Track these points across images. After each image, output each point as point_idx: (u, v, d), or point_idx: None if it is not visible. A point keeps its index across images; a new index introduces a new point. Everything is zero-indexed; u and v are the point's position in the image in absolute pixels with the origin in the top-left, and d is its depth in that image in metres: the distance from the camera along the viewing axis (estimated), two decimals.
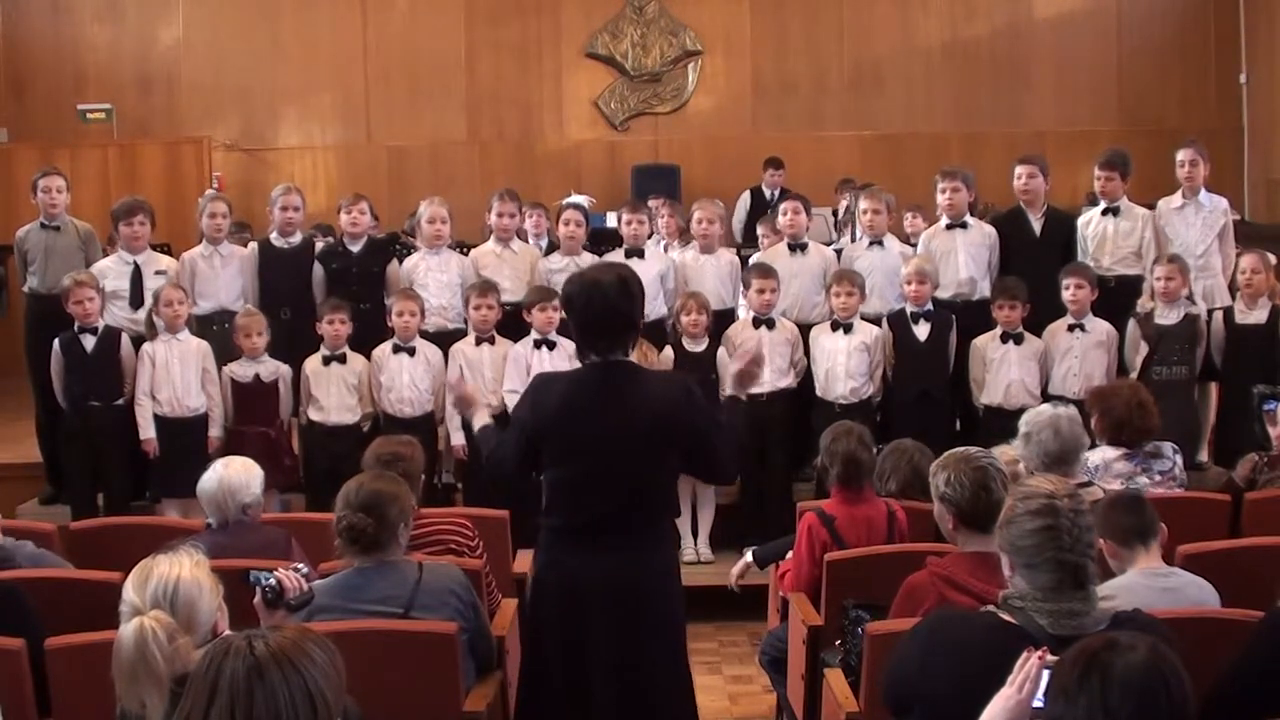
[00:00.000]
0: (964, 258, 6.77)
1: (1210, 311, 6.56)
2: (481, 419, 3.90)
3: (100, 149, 11.29)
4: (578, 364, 3.70)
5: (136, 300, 6.67)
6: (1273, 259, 6.57)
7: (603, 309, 3.55)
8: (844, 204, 9.08)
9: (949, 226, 6.85)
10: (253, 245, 7.10)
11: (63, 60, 11.77)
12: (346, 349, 6.41)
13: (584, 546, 3.53)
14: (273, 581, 3.09)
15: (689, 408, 3.54)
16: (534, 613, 3.73)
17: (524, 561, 4.64)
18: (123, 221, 6.72)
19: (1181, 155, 6.79)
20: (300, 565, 3.27)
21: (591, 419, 3.52)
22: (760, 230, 7.88)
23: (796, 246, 6.90)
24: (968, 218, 6.88)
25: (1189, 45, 11.95)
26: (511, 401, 6.17)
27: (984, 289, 6.74)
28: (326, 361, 6.39)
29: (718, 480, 5.13)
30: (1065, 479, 3.15)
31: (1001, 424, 5.60)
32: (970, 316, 6.64)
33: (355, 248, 6.87)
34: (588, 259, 6.85)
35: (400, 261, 7.02)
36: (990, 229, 6.92)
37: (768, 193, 10.45)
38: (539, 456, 3.61)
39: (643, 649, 3.53)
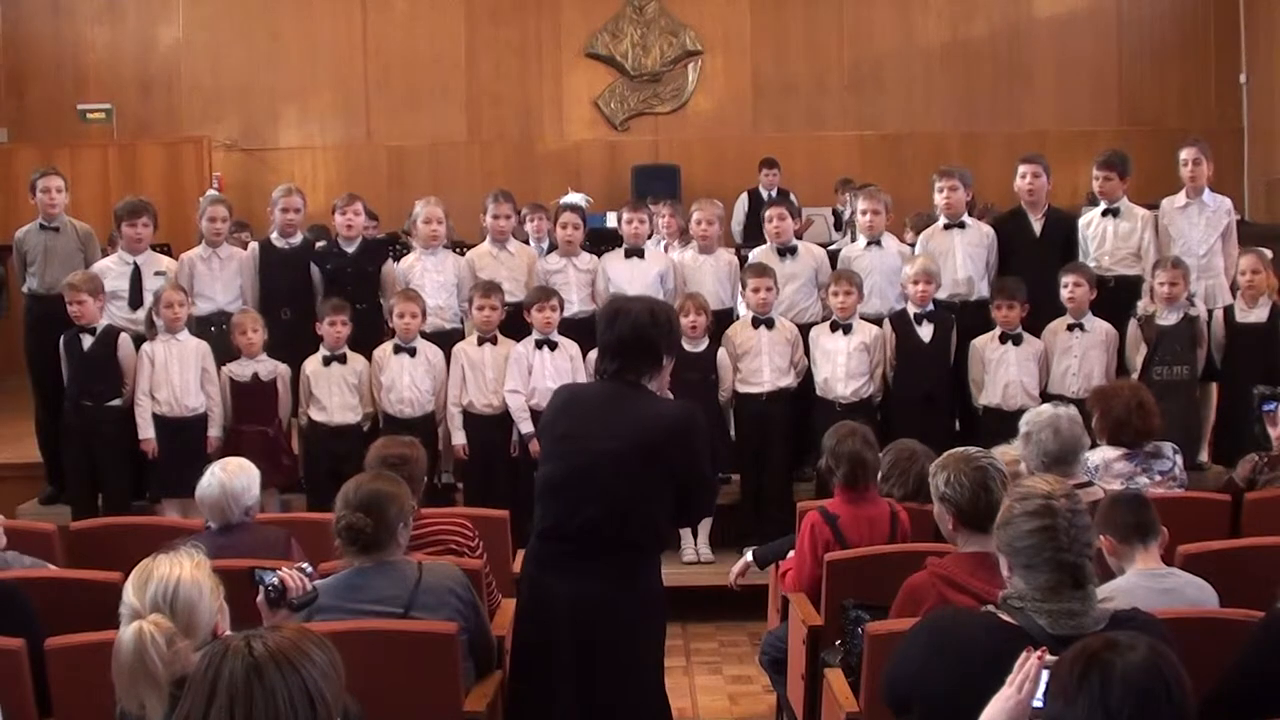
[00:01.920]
0: (962, 258, 6.77)
1: (1210, 311, 6.56)
2: None
3: (100, 149, 11.30)
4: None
5: (136, 300, 6.67)
6: (1268, 254, 6.56)
7: (627, 331, 3.59)
8: (847, 206, 9.03)
9: (947, 226, 6.84)
10: (253, 246, 7.10)
11: (63, 60, 11.77)
12: (346, 349, 6.42)
13: (560, 564, 3.50)
14: (275, 581, 3.09)
15: (685, 437, 3.52)
16: (514, 621, 3.76)
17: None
18: (126, 222, 6.72)
19: (1185, 154, 6.75)
20: (304, 565, 3.27)
21: (582, 421, 3.54)
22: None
23: (786, 251, 6.86)
24: (965, 217, 6.88)
25: (1189, 45, 11.94)
26: (512, 401, 6.31)
27: (982, 289, 6.73)
28: (327, 362, 6.39)
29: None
30: (1064, 479, 3.15)
31: (1000, 425, 5.62)
32: (967, 316, 6.63)
33: (350, 248, 6.86)
34: (585, 259, 6.89)
35: (396, 261, 7.03)
36: (988, 229, 6.90)
37: (765, 194, 10.44)
38: None
39: (606, 675, 3.48)
